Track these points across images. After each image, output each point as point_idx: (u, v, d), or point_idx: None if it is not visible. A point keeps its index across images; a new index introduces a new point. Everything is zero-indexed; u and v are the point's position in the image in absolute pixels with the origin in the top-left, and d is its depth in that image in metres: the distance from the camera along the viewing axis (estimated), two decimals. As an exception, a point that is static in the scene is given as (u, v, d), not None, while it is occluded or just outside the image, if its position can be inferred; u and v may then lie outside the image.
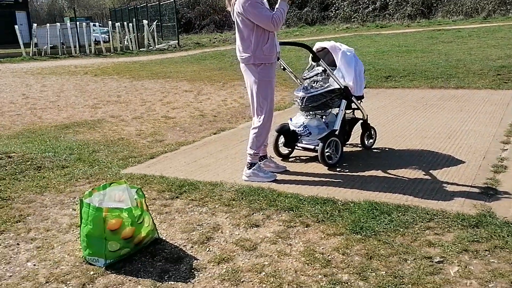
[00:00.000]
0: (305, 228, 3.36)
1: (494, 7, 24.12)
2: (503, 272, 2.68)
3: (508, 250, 2.91)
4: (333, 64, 4.76)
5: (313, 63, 4.78)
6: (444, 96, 7.83)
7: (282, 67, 4.83)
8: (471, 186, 3.96)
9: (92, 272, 2.92)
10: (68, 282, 2.82)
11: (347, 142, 5.18)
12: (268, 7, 4.17)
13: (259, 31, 4.13)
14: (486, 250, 2.93)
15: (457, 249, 2.95)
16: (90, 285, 2.79)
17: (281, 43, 4.52)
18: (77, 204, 3.94)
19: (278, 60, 4.41)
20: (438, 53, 12.85)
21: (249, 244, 3.17)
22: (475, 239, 3.06)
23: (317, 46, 4.88)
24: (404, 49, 14.19)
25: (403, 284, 2.63)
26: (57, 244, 3.31)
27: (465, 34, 17.11)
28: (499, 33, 16.49)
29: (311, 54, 4.65)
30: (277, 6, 4.16)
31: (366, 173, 4.43)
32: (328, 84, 4.70)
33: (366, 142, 5.21)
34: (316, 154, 4.62)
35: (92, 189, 3.18)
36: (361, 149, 5.22)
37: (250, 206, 3.77)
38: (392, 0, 27.96)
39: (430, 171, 4.37)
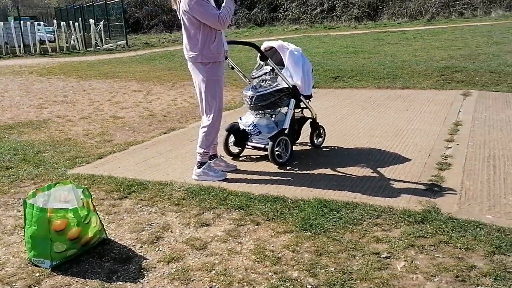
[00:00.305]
0: (256, 226, 3.36)
1: (437, 9, 25.04)
2: (447, 266, 2.77)
3: (452, 244, 3.01)
4: (281, 64, 4.79)
5: (262, 63, 4.78)
6: (390, 96, 8.02)
7: (230, 66, 4.81)
8: (417, 183, 4.07)
9: (38, 274, 2.83)
10: (13, 284, 2.73)
11: (297, 141, 5.23)
12: (214, 5, 4.14)
13: (206, 29, 4.09)
14: (431, 245, 3.01)
15: (404, 245, 3.03)
16: (36, 287, 2.71)
17: (229, 42, 4.50)
18: (21, 205, 3.80)
19: (226, 59, 4.40)
20: (385, 54, 13.18)
21: (199, 243, 3.14)
22: (421, 235, 3.14)
23: (265, 45, 4.89)
24: (352, 50, 14.48)
25: (351, 280, 2.67)
26: (2, 246, 3.21)
27: (410, 36, 17.66)
28: (443, 35, 17.11)
29: (259, 54, 4.66)
30: (223, 4, 4.13)
31: (316, 171, 4.48)
32: (276, 83, 4.72)
33: (315, 141, 5.27)
34: (266, 153, 4.63)
35: (36, 190, 3.09)
36: (310, 147, 5.28)
37: (200, 205, 3.74)
38: (339, 2, 28.47)
39: (378, 169, 4.47)
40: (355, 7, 27.78)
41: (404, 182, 4.12)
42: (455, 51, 12.50)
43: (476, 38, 14.81)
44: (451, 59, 11.20)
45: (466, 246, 2.96)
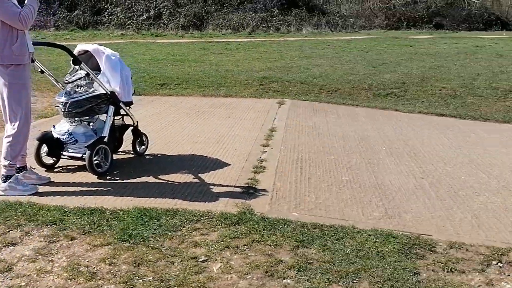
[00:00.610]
0: (70, 242, 3.18)
1: (257, 23, 26.62)
2: (258, 263, 2.95)
3: (263, 242, 3.21)
4: (97, 69, 4.59)
5: (76, 67, 4.55)
6: (214, 104, 8.26)
7: (39, 70, 4.48)
8: (234, 186, 4.26)
9: None
10: None
11: (119, 149, 5.08)
12: (16, 3, 3.82)
13: (5, 28, 3.76)
14: (245, 245, 3.18)
15: (220, 247, 3.14)
16: None
17: (35, 43, 4.18)
18: None
19: (33, 62, 4.09)
20: (210, 63, 13.54)
21: (3, 266, 2.86)
22: (236, 236, 3.29)
23: (78, 48, 4.66)
24: (179, 58, 14.59)
25: (169, 286, 2.68)
26: None
27: (233, 47, 18.42)
28: (262, 47, 18.20)
29: (71, 57, 4.43)
30: (26, 2, 3.84)
31: (138, 180, 4.41)
32: (93, 89, 4.53)
33: (138, 148, 5.17)
34: (84, 162, 4.41)
35: None
36: (133, 156, 5.17)
37: (5, 223, 3.40)
38: (165, 10, 28.53)
39: (199, 175, 4.57)
40: (181, 16, 28.06)
41: (223, 186, 4.28)
42: (272, 62, 13.39)
43: (290, 52, 16.08)
44: (269, 70, 11.96)
45: (275, 243, 3.19)
